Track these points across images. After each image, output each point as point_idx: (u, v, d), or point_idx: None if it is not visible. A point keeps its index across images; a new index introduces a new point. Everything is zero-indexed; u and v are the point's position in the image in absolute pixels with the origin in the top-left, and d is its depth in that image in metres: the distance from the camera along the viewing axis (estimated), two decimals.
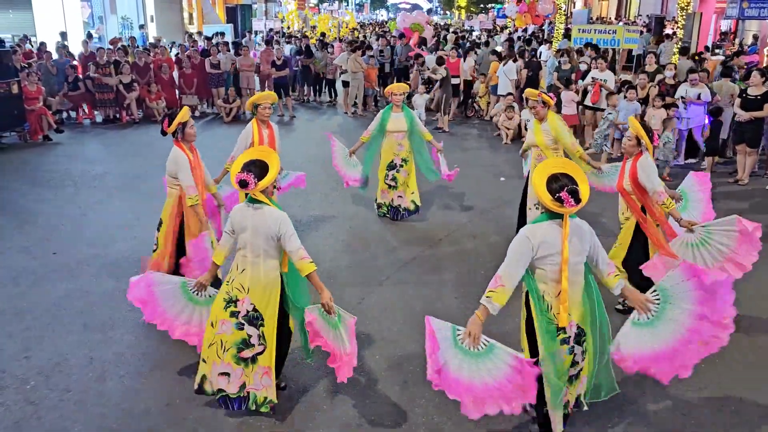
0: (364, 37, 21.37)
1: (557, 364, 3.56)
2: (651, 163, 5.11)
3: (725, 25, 24.97)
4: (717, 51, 18.99)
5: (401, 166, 7.69)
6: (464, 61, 14.59)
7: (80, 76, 14.08)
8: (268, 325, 3.98)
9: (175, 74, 14.94)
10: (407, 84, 13.03)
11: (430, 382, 3.49)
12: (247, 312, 3.95)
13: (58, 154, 11.19)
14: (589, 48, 14.11)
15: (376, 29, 27.49)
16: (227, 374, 4.05)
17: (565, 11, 30.04)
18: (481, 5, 58.18)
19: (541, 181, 3.48)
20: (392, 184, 7.76)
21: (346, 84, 15.37)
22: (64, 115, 13.93)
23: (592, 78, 11.47)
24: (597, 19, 36.36)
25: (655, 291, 3.77)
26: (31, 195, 8.83)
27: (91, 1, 21.37)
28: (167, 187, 5.32)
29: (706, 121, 10.10)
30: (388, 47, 17.10)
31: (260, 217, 3.85)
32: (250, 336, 3.98)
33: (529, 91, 6.87)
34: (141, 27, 21.96)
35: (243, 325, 3.97)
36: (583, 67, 12.82)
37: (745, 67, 12.25)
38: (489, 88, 14.47)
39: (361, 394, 4.45)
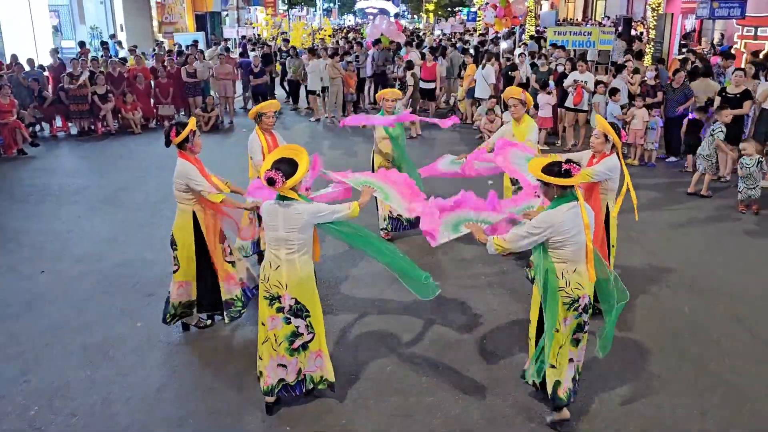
0: (337, 42, 21.29)
1: (566, 329, 3.97)
2: (616, 165, 5.05)
3: (689, 24, 25.50)
4: (684, 51, 19.39)
5: None
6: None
7: (50, 87, 13.76)
8: (314, 314, 4.15)
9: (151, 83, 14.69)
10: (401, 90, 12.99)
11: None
12: (291, 306, 4.08)
13: (35, 169, 10.88)
14: (556, 48, 14.29)
15: (353, 35, 27.36)
16: (284, 366, 4.22)
17: (533, 13, 30.44)
18: (449, 9, 58.61)
19: (541, 171, 3.81)
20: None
21: (312, 92, 15.27)
22: (37, 128, 13.56)
23: (574, 80, 11.57)
24: (564, 20, 36.85)
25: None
26: (12, 212, 8.56)
27: (59, 11, 20.89)
28: (178, 204, 5.12)
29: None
30: (365, 53, 17.07)
31: (290, 213, 3.93)
32: (298, 327, 4.14)
33: (510, 89, 6.88)
34: (111, 36, 21.53)
35: (290, 318, 4.11)
36: (560, 68, 12.94)
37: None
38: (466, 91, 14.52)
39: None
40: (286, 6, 42.34)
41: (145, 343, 5.23)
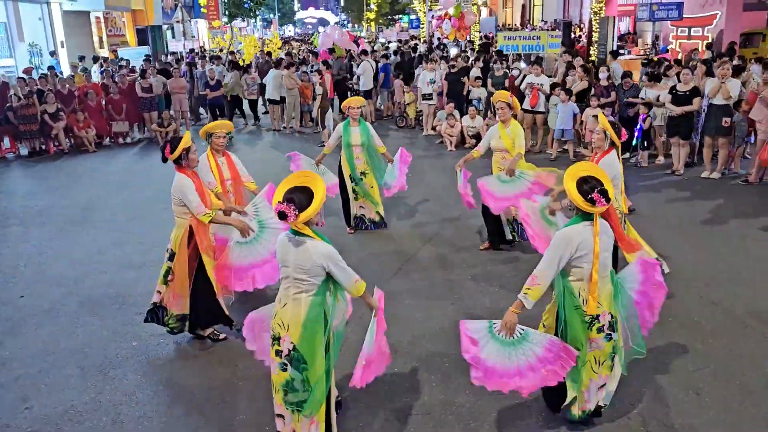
0: (289, 54, 21.23)
1: (593, 351, 3.90)
2: (613, 162, 5.25)
3: (623, 27, 26.62)
4: (622, 52, 20.26)
5: (361, 179, 7.80)
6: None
7: None
8: (312, 370, 3.59)
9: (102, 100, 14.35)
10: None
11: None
12: (289, 351, 3.59)
13: None
14: (501, 56, 14.74)
15: (305, 46, 27.37)
16: (282, 416, 3.81)
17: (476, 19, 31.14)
18: (389, 17, 59.27)
19: (573, 184, 3.71)
20: (353, 195, 7.89)
21: (273, 101, 15.21)
22: None
23: (529, 83, 11.95)
24: (503, 26, 37.80)
25: None
26: None
27: None
28: (176, 217, 5.12)
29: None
30: (325, 64, 17.14)
31: (303, 253, 3.50)
32: (293, 379, 3.63)
33: (498, 93, 7.12)
34: (52, 54, 20.88)
35: (286, 366, 3.63)
36: (515, 72, 13.34)
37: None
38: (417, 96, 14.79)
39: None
40: (227, 18, 41.94)
41: (146, 361, 5.17)
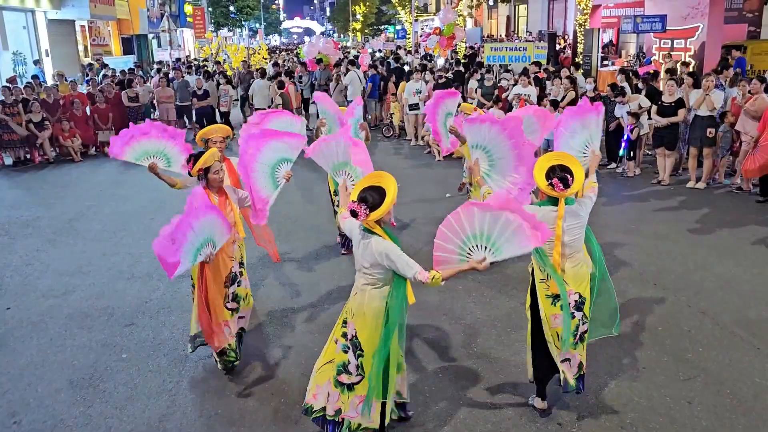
0: (276, 63, 21.28)
1: (557, 327, 4.17)
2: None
3: (606, 38, 26.95)
4: (605, 63, 20.52)
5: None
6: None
7: None
8: (367, 358, 3.81)
9: (88, 109, 14.26)
10: None
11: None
12: (351, 337, 3.86)
13: None
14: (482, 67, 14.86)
15: (293, 57, 27.41)
16: (329, 394, 4.01)
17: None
18: (376, 27, 59.54)
19: (541, 170, 4.05)
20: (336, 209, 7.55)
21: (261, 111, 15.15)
22: None
23: (517, 94, 12.05)
24: (488, 37, 38.11)
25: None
26: None
27: None
28: None
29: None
30: (308, 73, 17.20)
31: (367, 249, 3.70)
32: (349, 362, 3.87)
33: (464, 105, 7.21)
34: (36, 62, 20.72)
35: (348, 348, 3.89)
36: (504, 83, 13.45)
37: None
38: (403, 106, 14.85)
39: None
40: (213, 27, 41.92)
41: (136, 373, 5.11)
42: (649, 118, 10.63)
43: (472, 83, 13.85)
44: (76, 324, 5.99)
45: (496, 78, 14.10)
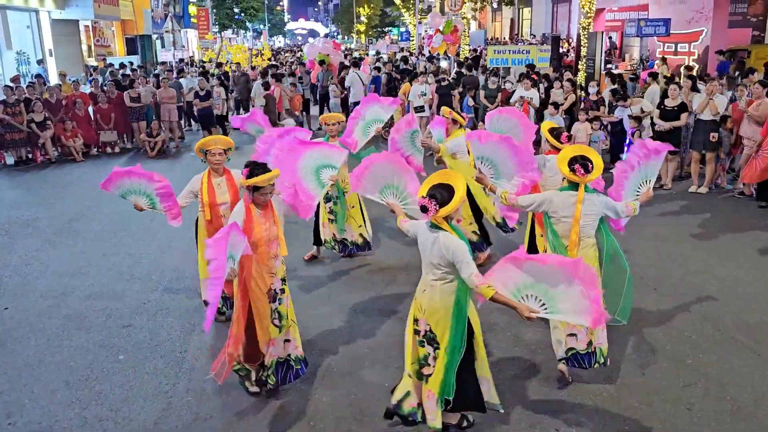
0: (274, 65, 21.27)
1: None
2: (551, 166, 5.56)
3: (610, 42, 26.90)
4: (609, 66, 20.47)
5: (338, 197, 7.14)
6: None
7: None
8: (443, 350, 3.94)
9: (90, 109, 14.28)
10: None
11: None
12: (425, 332, 4.00)
13: None
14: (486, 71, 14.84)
15: (295, 57, 27.43)
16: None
17: (465, 33, 31.33)
18: (379, 29, 59.55)
19: (564, 160, 4.54)
20: (332, 217, 7.21)
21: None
22: None
23: (521, 96, 12.02)
24: (492, 39, 38.09)
25: None
26: None
27: None
28: None
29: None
30: (308, 74, 17.20)
31: (435, 244, 3.79)
32: (428, 354, 4.02)
33: (443, 109, 7.29)
34: (39, 62, 20.74)
35: (423, 343, 4.03)
36: (508, 86, 13.42)
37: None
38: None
39: None
40: (218, 28, 41.95)
41: (132, 375, 5.08)
42: (652, 123, 10.60)
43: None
44: (74, 325, 5.97)
45: (500, 80, 14.04)
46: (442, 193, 3.75)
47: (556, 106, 11.44)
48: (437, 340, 3.94)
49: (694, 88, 10.09)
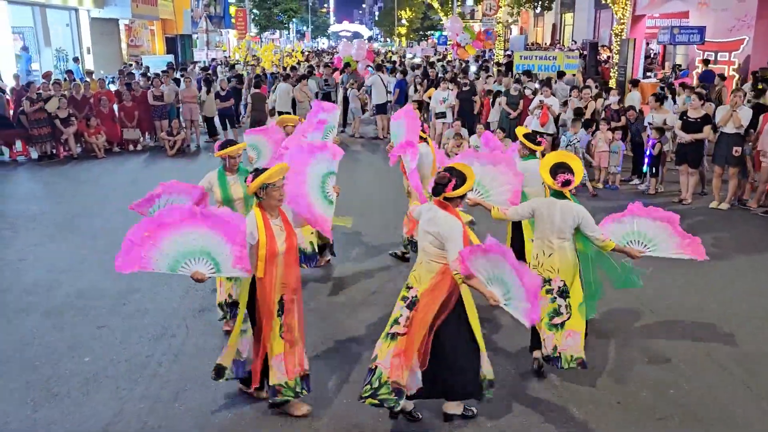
0: (293, 67, 21.30)
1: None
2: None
3: (655, 48, 26.09)
4: (648, 74, 19.82)
5: None
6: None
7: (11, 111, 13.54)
8: (573, 297, 4.73)
9: (116, 107, 14.50)
10: None
11: None
12: (559, 288, 4.72)
13: None
14: (523, 74, 14.48)
15: (322, 58, 27.47)
16: (543, 339, 4.81)
17: (503, 38, 30.91)
18: (421, 33, 59.36)
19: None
20: None
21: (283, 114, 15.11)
22: None
23: (540, 101, 11.68)
24: (533, 44, 37.48)
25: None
26: None
27: (24, 33, 20.58)
28: None
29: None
30: (333, 76, 17.15)
31: (566, 207, 4.66)
32: (560, 306, 4.73)
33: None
34: (75, 60, 21.24)
35: (555, 298, 4.73)
36: (528, 92, 13.07)
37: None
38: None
39: None
40: (258, 29, 42.42)
41: (92, 379, 5.02)
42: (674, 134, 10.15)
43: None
44: (51, 322, 5.97)
45: (522, 87, 13.69)
46: (569, 171, 4.68)
47: (579, 113, 11.08)
48: (568, 292, 4.71)
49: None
